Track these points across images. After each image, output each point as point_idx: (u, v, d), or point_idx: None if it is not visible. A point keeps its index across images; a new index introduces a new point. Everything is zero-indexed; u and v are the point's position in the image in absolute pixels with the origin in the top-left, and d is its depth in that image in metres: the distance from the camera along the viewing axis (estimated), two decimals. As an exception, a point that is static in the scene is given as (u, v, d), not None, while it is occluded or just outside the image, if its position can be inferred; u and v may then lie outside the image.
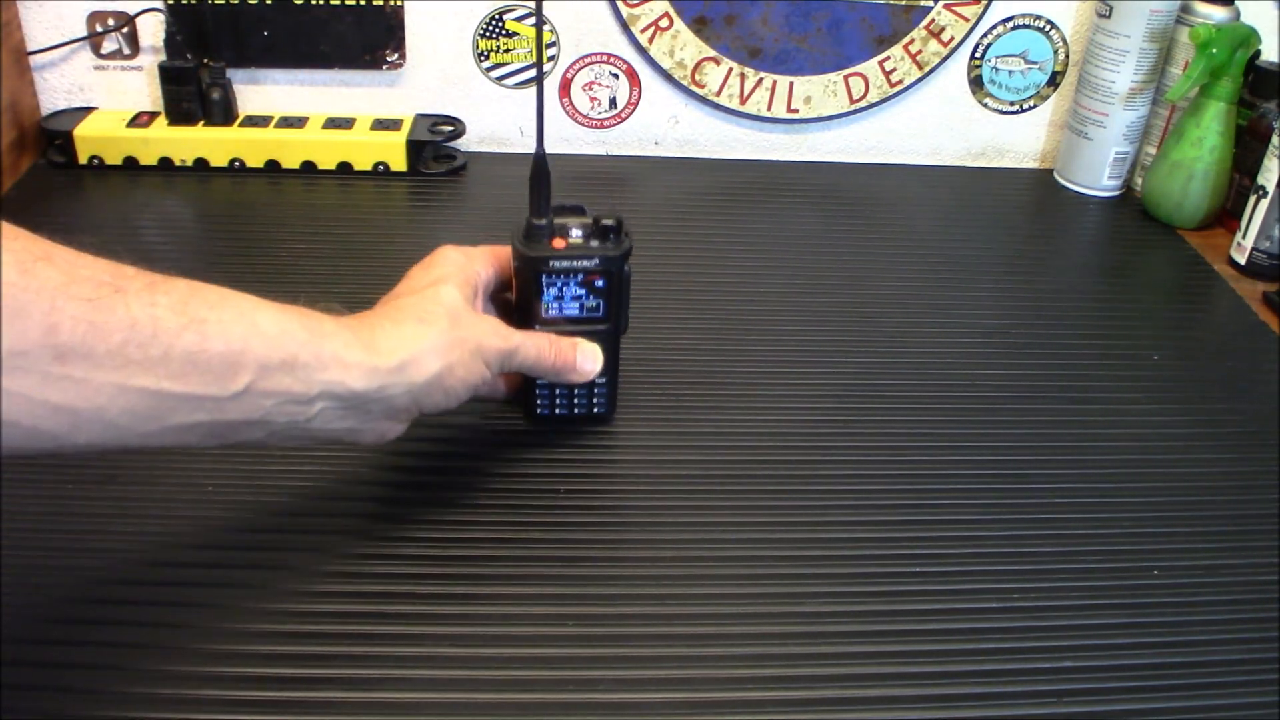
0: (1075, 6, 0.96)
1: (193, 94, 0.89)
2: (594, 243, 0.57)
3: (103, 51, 0.91)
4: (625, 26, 0.93)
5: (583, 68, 0.95)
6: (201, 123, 0.90)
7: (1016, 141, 1.02)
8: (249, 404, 0.43)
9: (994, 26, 0.96)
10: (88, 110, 0.92)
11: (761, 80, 0.96)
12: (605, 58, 0.95)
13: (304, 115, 0.92)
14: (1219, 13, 0.89)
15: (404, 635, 0.49)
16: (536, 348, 0.56)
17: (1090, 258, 0.89)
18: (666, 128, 0.99)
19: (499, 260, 0.58)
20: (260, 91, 0.94)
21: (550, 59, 0.94)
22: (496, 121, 0.97)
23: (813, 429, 0.65)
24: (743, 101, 0.97)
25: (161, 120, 0.90)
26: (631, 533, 0.56)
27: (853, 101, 0.98)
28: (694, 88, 0.96)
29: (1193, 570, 0.56)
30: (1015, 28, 0.97)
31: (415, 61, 0.94)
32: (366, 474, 0.59)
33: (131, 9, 0.90)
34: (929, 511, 0.59)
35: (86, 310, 0.38)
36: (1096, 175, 0.96)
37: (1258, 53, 0.88)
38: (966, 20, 0.95)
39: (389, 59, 0.93)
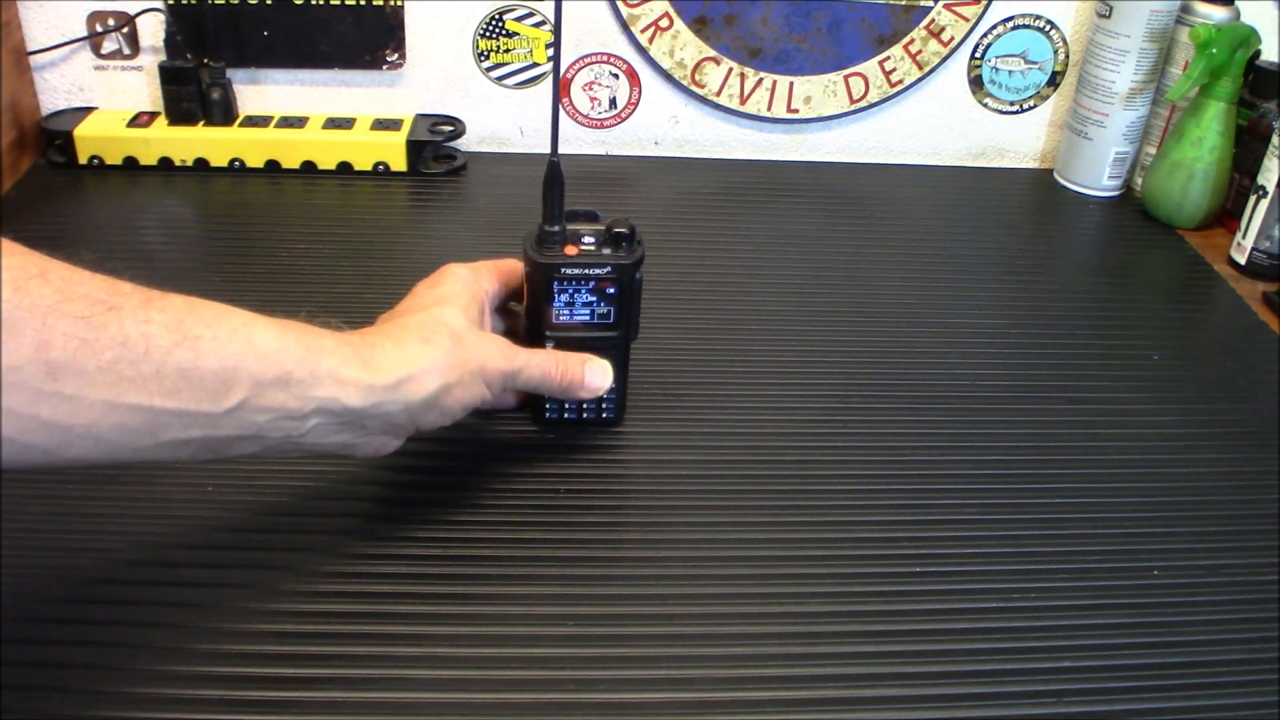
0: (1075, 6, 0.96)
1: (193, 94, 0.89)
2: (606, 250, 0.57)
3: (103, 51, 0.91)
4: (625, 26, 0.93)
5: (583, 68, 0.95)
6: (201, 123, 0.90)
7: (1016, 141, 1.02)
8: (242, 419, 0.44)
9: (994, 26, 0.96)
10: (88, 110, 0.92)
11: (761, 80, 0.96)
12: (605, 58, 0.95)
13: (304, 115, 0.92)
14: (1219, 13, 0.89)
15: (404, 635, 0.49)
16: (542, 368, 0.56)
17: (1090, 258, 0.89)
18: (666, 128, 0.99)
19: (503, 274, 0.58)
20: (260, 91, 0.94)
21: (550, 59, 0.94)
22: (496, 121, 0.97)
23: (812, 429, 0.65)
24: (743, 101, 0.97)
25: (161, 120, 0.90)
26: (631, 532, 0.56)
27: (853, 101, 0.98)
28: (694, 88, 0.96)
29: (1193, 570, 0.56)
30: (1015, 28, 0.97)
31: (415, 61, 0.94)
32: (367, 474, 0.59)
33: (131, 9, 0.90)
34: (929, 511, 0.59)
35: (79, 327, 0.38)
36: (1096, 175, 0.96)
37: (1258, 53, 0.88)
38: (966, 20, 0.95)
39: (389, 59, 0.93)
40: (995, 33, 0.97)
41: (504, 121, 0.97)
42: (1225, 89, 0.87)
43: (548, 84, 0.95)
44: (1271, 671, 0.50)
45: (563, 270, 0.56)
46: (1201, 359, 0.75)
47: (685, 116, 0.98)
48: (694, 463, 0.61)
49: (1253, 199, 0.84)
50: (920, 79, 0.98)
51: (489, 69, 0.95)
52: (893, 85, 0.98)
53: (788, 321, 0.75)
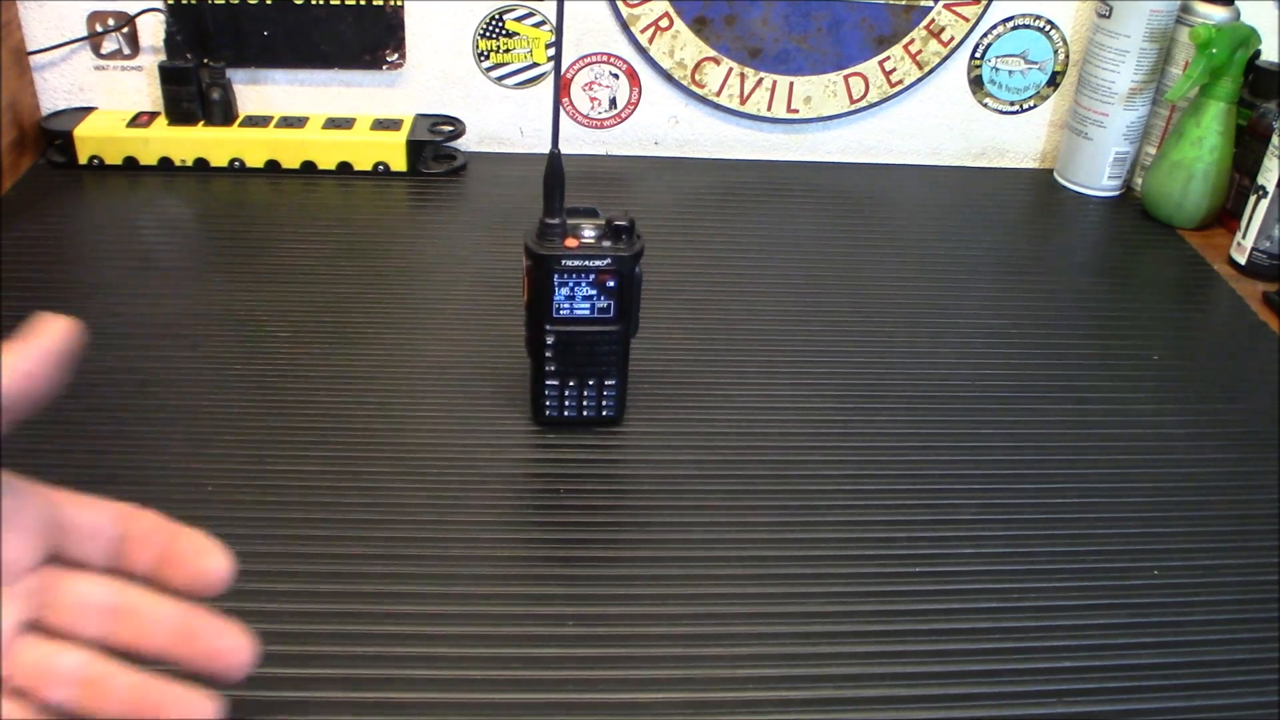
0: (1075, 6, 0.96)
1: (193, 94, 0.89)
2: (606, 243, 0.57)
3: (103, 51, 0.91)
4: (625, 26, 0.93)
5: (583, 68, 0.95)
6: (201, 123, 0.90)
7: (1016, 141, 1.02)
8: None
9: (994, 26, 0.96)
10: (88, 110, 0.92)
11: (761, 80, 0.96)
12: (605, 58, 0.95)
13: (304, 115, 0.92)
14: (1219, 13, 0.89)
15: (404, 635, 0.49)
16: None
17: (1090, 258, 0.89)
18: (666, 128, 0.99)
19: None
20: (260, 91, 0.94)
21: (550, 59, 0.94)
22: (496, 121, 0.97)
23: (812, 429, 0.65)
24: (743, 101, 0.97)
25: (161, 120, 0.90)
26: (631, 532, 0.56)
27: (853, 101, 0.98)
28: (694, 88, 0.96)
29: (1193, 570, 0.56)
30: (1015, 28, 0.97)
31: (415, 61, 0.94)
32: (367, 474, 0.59)
33: (131, 9, 0.90)
34: (929, 511, 0.59)
35: None
36: (1096, 175, 0.96)
37: (1258, 53, 0.88)
38: (966, 20, 0.95)
39: (389, 59, 0.93)
40: (995, 33, 0.97)
41: (504, 121, 0.97)
42: (1225, 89, 0.87)
43: (548, 84, 0.95)
44: (1271, 671, 0.50)
45: (563, 262, 0.57)
46: (1201, 359, 0.75)
47: (685, 116, 0.98)
48: (694, 462, 0.61)
49: (1253, 199, 0.84)
50: (920, 79, 0.98)
51: (489, 69, 0.95)
52: (893, 85, 0.98)
53: (787, 321, 0.75)
